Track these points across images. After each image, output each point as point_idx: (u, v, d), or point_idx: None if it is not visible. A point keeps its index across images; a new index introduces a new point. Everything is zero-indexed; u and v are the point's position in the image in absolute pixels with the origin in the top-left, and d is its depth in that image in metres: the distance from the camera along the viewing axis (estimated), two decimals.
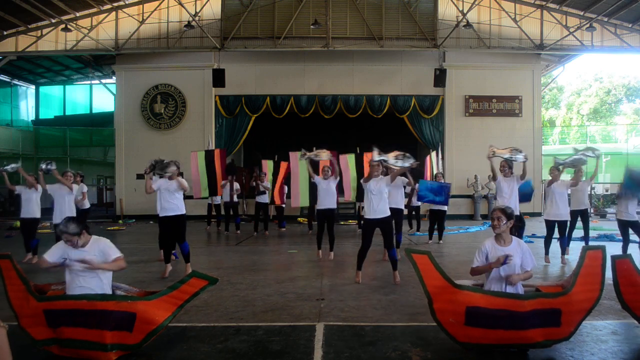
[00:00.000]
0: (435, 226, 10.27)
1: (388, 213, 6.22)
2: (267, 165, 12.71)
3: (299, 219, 15.56)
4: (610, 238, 10.70)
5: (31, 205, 8.05)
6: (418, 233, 11.74)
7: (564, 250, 7.81)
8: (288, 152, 12.63)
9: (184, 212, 6.79)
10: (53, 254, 3.78)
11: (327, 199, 8.10)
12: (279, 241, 11.08)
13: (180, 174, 7.03)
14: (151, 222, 14.99)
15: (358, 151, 11.84)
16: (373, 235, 6.27)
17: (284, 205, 13.31)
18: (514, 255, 3.81)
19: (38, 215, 8.14)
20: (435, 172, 11.61)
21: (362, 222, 8.91)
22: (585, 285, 3.67)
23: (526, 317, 3.55)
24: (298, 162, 11.76)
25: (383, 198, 6.18)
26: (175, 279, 5.28)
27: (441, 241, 10.29)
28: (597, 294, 3.70)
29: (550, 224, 7.79)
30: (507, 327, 3.57)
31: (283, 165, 12.53)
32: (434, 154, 12.60)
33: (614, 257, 4.10)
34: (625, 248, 7.53)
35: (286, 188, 12.55)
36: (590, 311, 3.72)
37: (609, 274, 3.83)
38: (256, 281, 6.46)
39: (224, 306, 5.17)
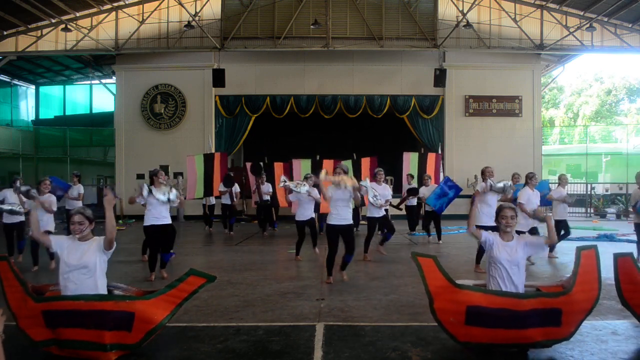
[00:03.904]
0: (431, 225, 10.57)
1: (350, 221, 6.30)
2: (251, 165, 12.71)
3: None
4: (610, 238, 10.69)
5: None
6: (418, 233, 11.74)
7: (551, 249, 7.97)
8: (287, 152, 12.67)
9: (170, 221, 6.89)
10: (57, 240, 3.82)
11: (308, 210, 8.26)
12: (279, 241, 11.08)
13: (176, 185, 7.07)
14: None
15: (355, 157, 11.89)
16: (339, 240, 6.30)
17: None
18: (517, 250, 3.85)
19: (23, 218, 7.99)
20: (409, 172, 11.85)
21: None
22: (585, 284, 3.69)
23: (526, 317, 3.56)
24: (301, 169, 11.82)
25: (347, 205, 6.23)
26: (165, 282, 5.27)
27: (440, 241, 10.32)
28: (597, 293, 3.71)
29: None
30: (508, 326, 3.58)
31: (278, 165, 12.46)
32: (411, 155, 12.69)
33: (616, 255, 4.13)
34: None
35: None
36: (590, 311, 3.72)
37: (606, 274, 3.84)
38: (256, 281, 6.46)
39: (224, 306, 5.17)
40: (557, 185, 8.72)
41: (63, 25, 15.04)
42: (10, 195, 7.86)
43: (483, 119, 17.16)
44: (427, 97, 17.06)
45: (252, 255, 8.91)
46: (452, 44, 16.14)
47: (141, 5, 16.08)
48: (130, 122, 17.19)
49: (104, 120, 20.24)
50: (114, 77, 18.50)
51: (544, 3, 16.03)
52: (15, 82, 22.50)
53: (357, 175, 11.56)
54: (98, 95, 23.63)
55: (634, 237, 8.38)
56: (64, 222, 3.26)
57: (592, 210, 17.88)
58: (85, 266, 3.70)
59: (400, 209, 11.67)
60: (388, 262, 7.93)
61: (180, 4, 15.35)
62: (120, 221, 16.03)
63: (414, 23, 16.17)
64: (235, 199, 12.08)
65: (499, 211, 4.03)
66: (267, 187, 11.92)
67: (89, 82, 23.02)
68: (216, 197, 12.88)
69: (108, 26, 16.09)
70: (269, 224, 12.43)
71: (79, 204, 9.17)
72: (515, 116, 17.16)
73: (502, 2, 15.94)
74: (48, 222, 7.45)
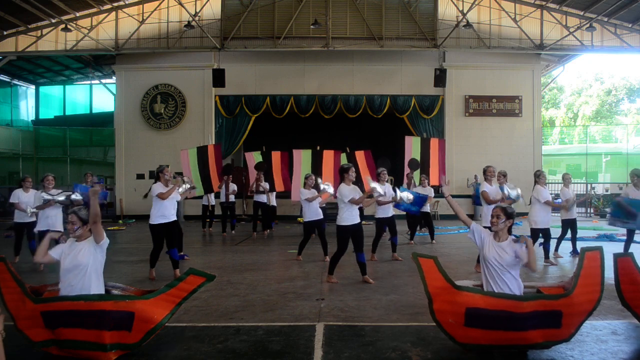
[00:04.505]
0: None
1: (359, 219, 6.34)
2: (254, 156, 12.62)
3: (299, 219, 15.53)
4: (610, 238, 10.70)
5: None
6: (418, 233, 11.74)
7: (547, 254, 7.91)
8: (286, 151, 12.62)
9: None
10: (56, 252, 3.82)
11: (313, 211, 8.13)
12: (279, 241, 11.08)
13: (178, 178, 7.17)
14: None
15: (348, 151, 11.84)
16: (349, 241, 6.33)
17: (275, 205, 13.24)
18: (508, 252, 3.81)
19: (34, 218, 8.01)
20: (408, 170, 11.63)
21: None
22: (586, 286, 3.66)
23: (526, 318, 3.54)
24: (301, 160, 11.74)
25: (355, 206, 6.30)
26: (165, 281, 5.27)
27: (434, 241, 10.33)
28: (598, 296, 3.69)
29: (537, 232, 7.79)
30: (507, 328, 3.56)
31: (276, 154, 12.43)
32: (413, 139, 12.34)
33: (616, 255, 4.11)
34: (627, 247, 7.58)
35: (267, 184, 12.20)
36: (591, 313, 3.71)
37: (608, 274, 3.83)
38: (256, 281, 6.46)
39: (224, 306, 5.17)
40: (562, 185, 8.76)
41: (63, 25, 15.04)
42: (22, 195, 7.87)
43: (483, 119, 17.16)
44: (427, 97, 17.06)
45: (252, 255, 8.90)
46: (452, 44, 16.14)
47: (141, 5, 16.09)
48: (130, 122, 17.19)
49: (104, 120, 20.24)
50: (114, 77, 18.51)
51: (544, 3, 16.03)
52: (15, 82, 22.49)
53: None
54: (98, 95, 23.63)
55: (634, 237, 8.38)
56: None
57: (592, 210, 17.87)
58: (77, 265, 3.71)
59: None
60: (388, 262, 7.93)
61: (180, 4, 15.35)
62: (120, 221, 16.04)
63: (414, 23, 16.17)
64: (229, 191, 11.94)
65: (492, 210, 4.05)
66: (265, 185, 11.94)
67: (89, 82, 23.01)
68: (215, 197, 12.84)
69: (108, 26, 16.10)
70: (263, 225, 12.35)
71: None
72: (515, 116, 17.16)
73: (502, 2, 15.95)
74: (56, 218, 7.35)
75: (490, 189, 7.13)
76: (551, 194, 8.81)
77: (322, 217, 8.25)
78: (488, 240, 3.95)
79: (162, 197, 6.53)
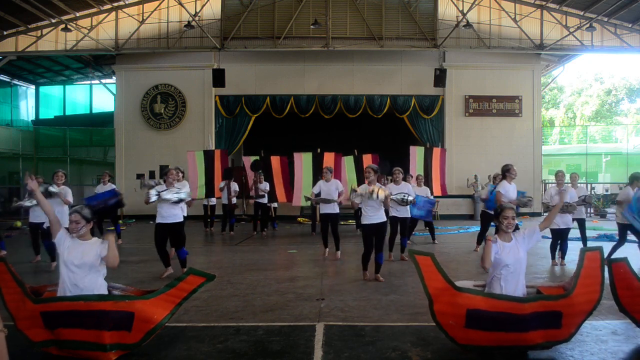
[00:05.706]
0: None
1: (384, 218, 6.43)
2: (252, 161, 12.67)
3: (299, 219, 15.55)
4: (610, 238, 10.69)
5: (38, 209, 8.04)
6: (416, 233, 11.75)
7: (564, 255, 7.87)
8: (287, 153, 12.63)
9: (182, 219, 6.83)
10: (61, 234, 3.84)
11: (327, 204, 8.18)
12: (279, 241, 11.08)
13: (182, 173, 7.20)
14: (151, 222, 14.96)
15: (356, 153, 11.85)
16: (374, 239, 6.40)
17: (276, 205, 13.28)
18: (519, 249, 3.87)
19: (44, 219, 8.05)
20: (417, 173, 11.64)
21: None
22: (586, 287, 3.66)
23: (527, 320, 3.53)
24: (302, 163, 11.76)
25: (380, 205, 6.36)
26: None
27: (409, 242, 10.27)
28: (598, 296, 3.68)
29: (556, 232, 7.78)
30: (508, 329, 3.56)
31: (275, 159, 12.41)
32: (417, 149, 12.45)
33: (610, 261, 4.08)
34: (617, 248, 7.60)
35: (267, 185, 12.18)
36: (591, 313, 3.70)
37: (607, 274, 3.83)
38: (256, 281, 6.46)
39: (224, 306, 5.17)
40: (569, 185, 8.80)
41: (63, 25, 15.04)
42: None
43: (483, 119, 17.16)
44: (427, 97, 17.06)
45: (252, 255, 8.90)
46: (452, 44, 16.14)
47: (141, 5, 16.09)
48: (130, 122, 17.19)
49: (104, 120, 20.23)
50: (114, 77, 18.51)
51: (544, 3, 16.03)
52: (15, 82, 22.48)
53: (359, 171, 11.52)
54: (98, 95, 23.63)
55: (634, 237, 8.37)
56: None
57: (592, 210, 17.86)
58: (85, 265, 3.72)
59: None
60: (388, 263, 7.92)
61: (180, 4, 15.35)
62: (120, 221, 16.03)
63: (414, 23, 16.17)
64: (232, 194, 11.98)
65: (501, 211, 4.03)
66: (264, 185, 11.92)
67: (89, 82, 23.01)
68: (217, 198, 12.91)
69: (108, 26, 16.10)
70: (270, 223, 12.45)
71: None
72: (515, 116, 17.16)
73: (502, 2, 15.95)
74: (62, 214, 7.18)
75: (507, 189, 7.15)
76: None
77: (337, 211, 8.33)
78: (502, 247, 3.93)
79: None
